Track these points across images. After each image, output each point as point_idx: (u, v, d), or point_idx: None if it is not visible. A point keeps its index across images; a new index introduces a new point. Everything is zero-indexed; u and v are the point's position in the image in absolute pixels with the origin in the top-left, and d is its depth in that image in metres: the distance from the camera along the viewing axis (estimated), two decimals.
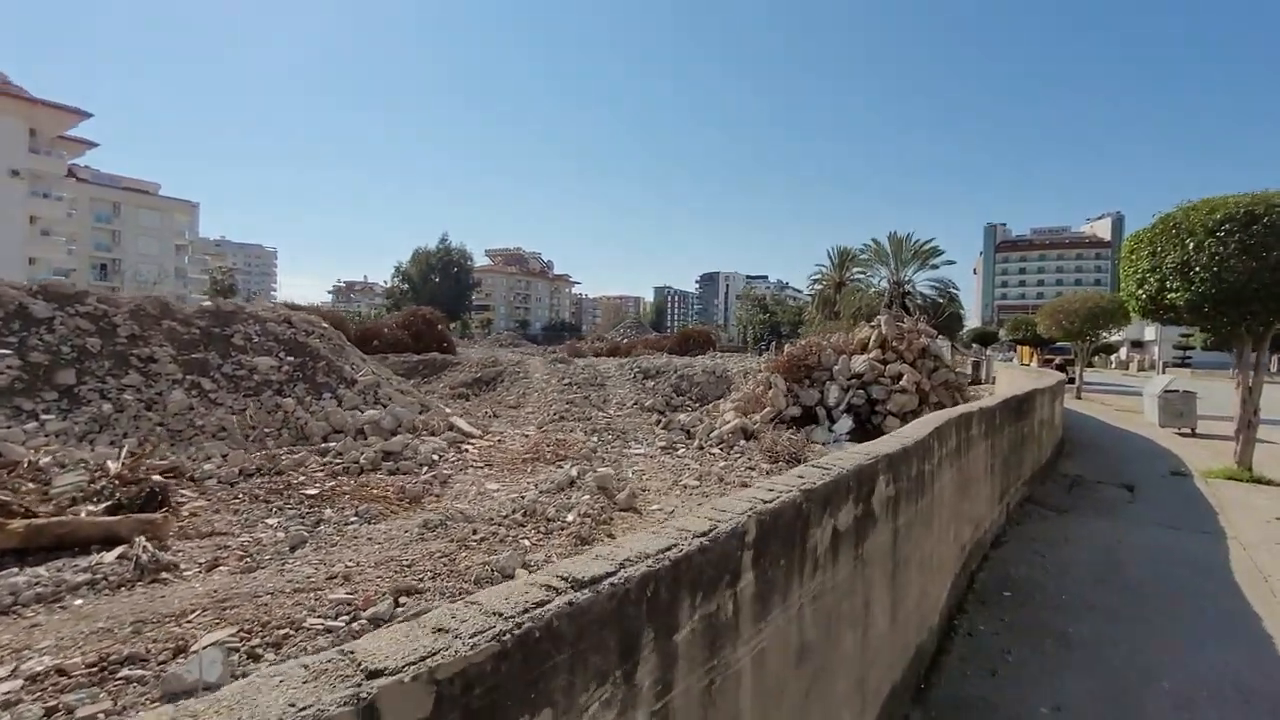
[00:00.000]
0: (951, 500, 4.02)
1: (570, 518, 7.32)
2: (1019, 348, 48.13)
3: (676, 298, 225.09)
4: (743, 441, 12.92)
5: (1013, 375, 19.91)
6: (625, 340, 45.83)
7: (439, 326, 32.62)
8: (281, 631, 4.28)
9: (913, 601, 3.04)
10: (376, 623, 4.47)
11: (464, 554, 6.09)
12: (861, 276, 48.79)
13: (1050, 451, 9.65)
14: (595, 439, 13.00)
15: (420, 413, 15.02)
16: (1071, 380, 22.30)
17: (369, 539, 6.55)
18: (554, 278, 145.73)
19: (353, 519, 7.27)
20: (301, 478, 9.00)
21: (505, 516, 7.21)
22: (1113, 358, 66.97)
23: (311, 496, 8.11)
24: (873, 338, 15.38)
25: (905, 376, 14.12)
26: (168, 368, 11.85)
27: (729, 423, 13.78)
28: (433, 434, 12.45)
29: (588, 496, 8.04)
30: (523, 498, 8.08)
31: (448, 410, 16.68)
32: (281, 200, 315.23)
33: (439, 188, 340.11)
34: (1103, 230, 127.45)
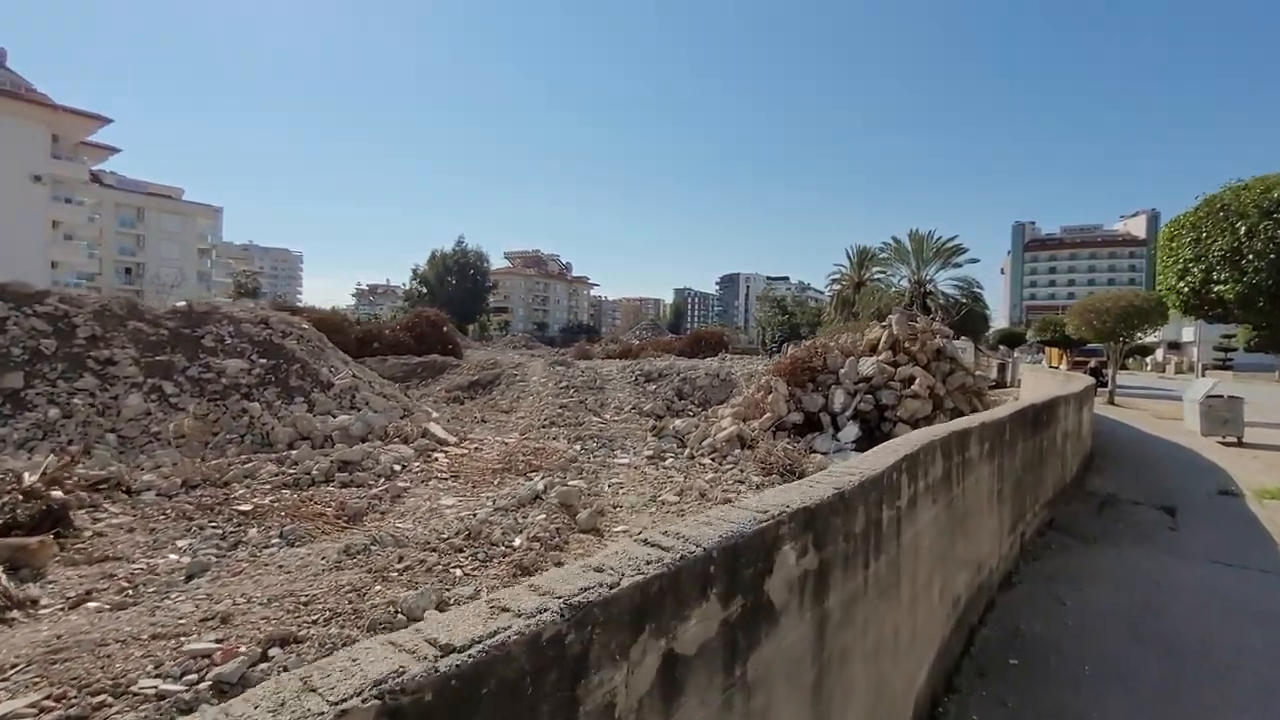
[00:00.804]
0: (935, 547, 3.08)
1: (518, 542, 6.46)
2: (1048, 349, 46.09)
3: (697, 299, 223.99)
4: (738, 451, 11.96)
5: (1038, 379, 18.61)
6: (638, 342, 44.96)
7: (444, 328, 32.08)
8: (99, 699, 3.47)
9: (860, 707, 2.13)
10: (223, 686, 3.65)
11: (379, 587, 5.26)
12: (882, 276, 47.25)
13: (1077, 466, 8.54)
14: (579, 447, 12.15)
15: (402, 417, 14.34)
16: (1104, 384, 20.74)
17: (280, 566, 5.76)
18: (572, 279, 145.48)
19: (275, 540, 6.49)
20: (243, 490, 8.28)
21: (444, 540, 6.37)
22: (1148, 360, 64.24)
23: (244, 513, 7.37)
24: (883, 339, 14.29)
25: (918, 380, 13.02)
26: (127, 370, 11.27)
27: (725, 430, 12.82)
28: (405, 441, 11.70)
29: (543, 516, 7.17)
30: (474, 516, 7.25)
31: (433, 414, 15.98)
32: (308, 205, 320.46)
33: (464, 191, 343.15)
34: (1137, 228, 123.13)
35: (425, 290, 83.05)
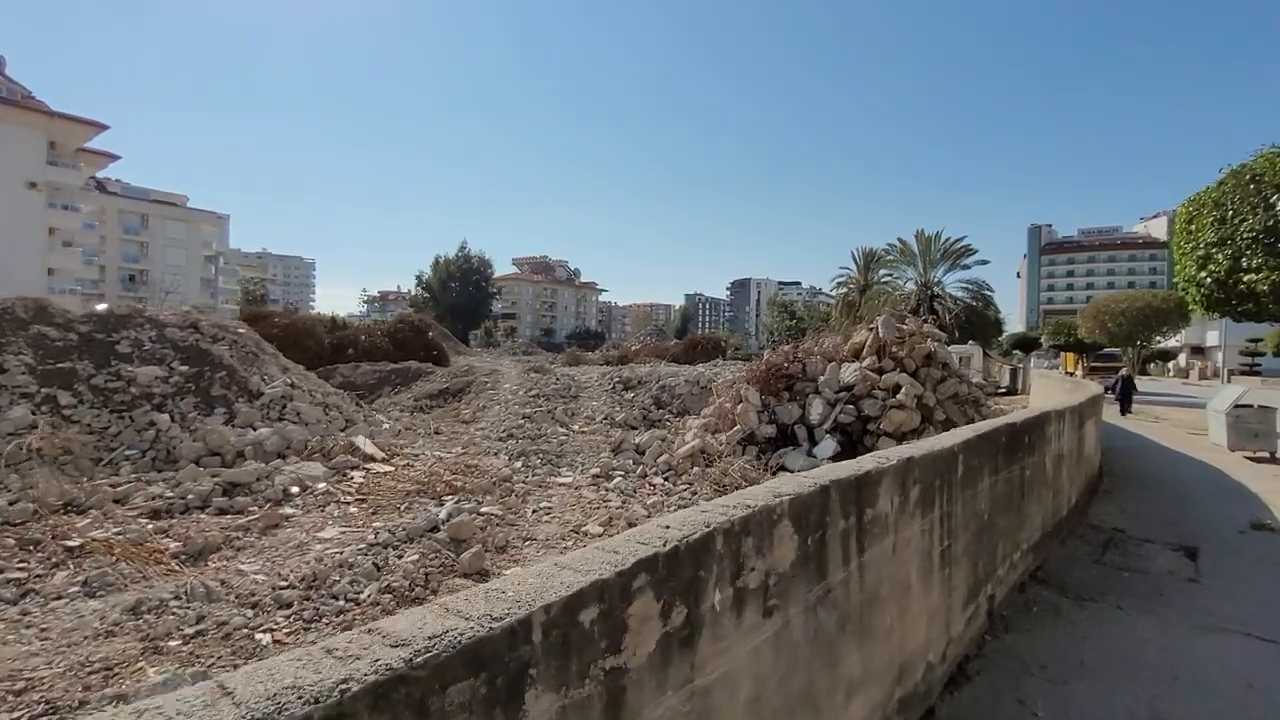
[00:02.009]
0: (786, 683, 1.82)
1: (366, 592, 5.22)
2: (1064, 355, 44.12)
3: (707, 305, 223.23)
4: (697, 469, 10.65)
5: (1046, 386, 17.14)
6: (636, 347, 43.72)
7: (428, 334, 31.06)
8: None
9: None
10: None
11: (142, 664, 4.05)
12: (889, 279, 45.65)
13: (1078, 492, 7.14)
14: (520, 464, 10.90)
15: (344, 429, 13.23)
16: (1128, 392, 19.11)
17: (42, 629, 4.57)
18: (580, 285, 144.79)
19: (75, 588, 5.31)
20: (91, 520, 7.13)
21: (273, 591, 5.15)
22: (1170, 365, 61.80)
23: (69, 549, 6.20)
24: (868, 342, 12.92)
25: (904, 389, 11.64)
26: (18, 379, 10.22)
27: (686, 445, 11.53)
28: (327, 457, 10.54)
29: (417, 556, 5.93)
30: (339, 555, 6.03)
31: (385, 425, 14.85)
32: (322, 212, 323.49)
33: (478, 197, 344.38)
34: (1157, 230, 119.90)
35: (429, 296, 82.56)
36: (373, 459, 10.75)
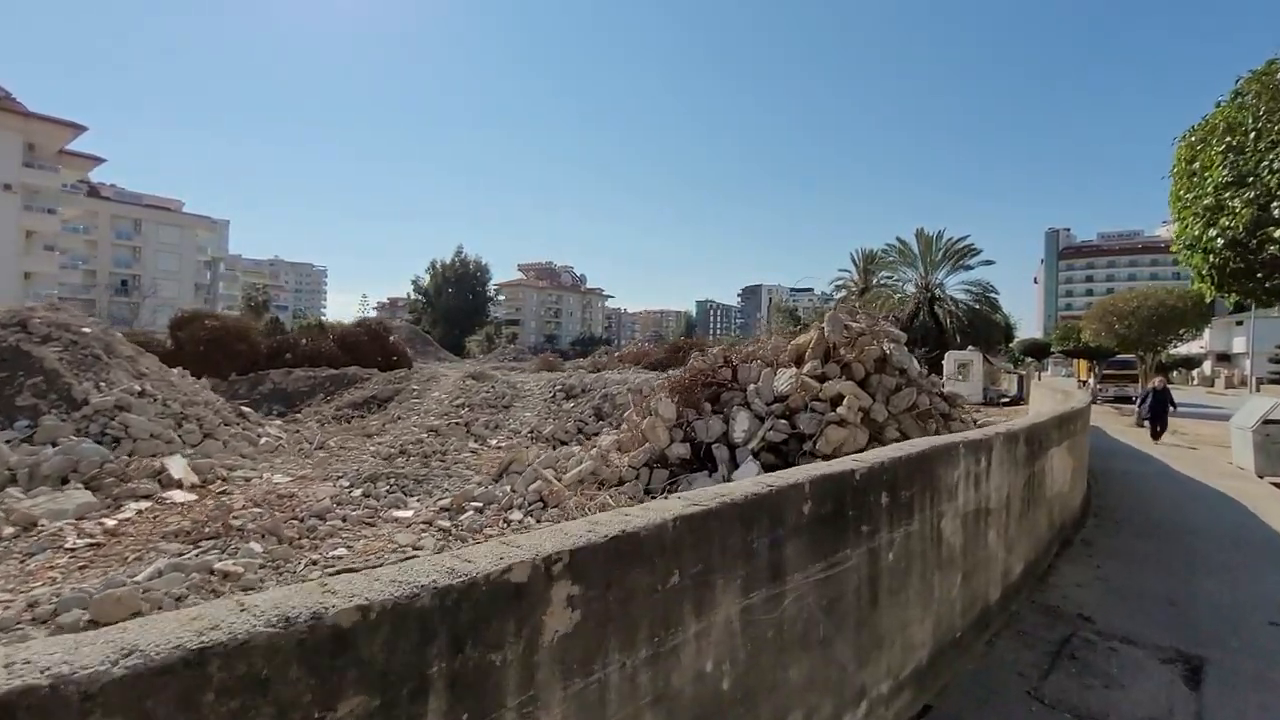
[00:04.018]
0: None
1: None
2: (1076, 361, 41.19)
3: (718, 311, 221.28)
4: (576, 499, 8.53)
5: (1041, 395, 14.83)
6: (617, 353, 41.73)
7: (388, 338, 29.24)
8: None
9: None
10: None
11: None
12: (890, 281, 43.14)
13: (1034, 552, 4.95)
14: (362, 490, 8.87)
15: (196, 444, 11.35)
16: (1163, 411, 15.17)
17: None
18: (586, 291, 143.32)
19: None
20: None
21: None
22: (1194, 373, 58.33)
23: None
24: (812, 344, 10.73)
25: (847, 400, 9.44)
26: None
27: (571, 471, 9.45)
28: (123, 481, 8.59)
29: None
30: None
31: (265, 438, 12.94)
32: (333, 221, 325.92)
33: (487, 203, 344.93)
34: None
35: (424, 301, 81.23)
36: (180, 485, 8.77)
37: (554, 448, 13.84)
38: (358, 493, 8.74)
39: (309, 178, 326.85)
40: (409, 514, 8.07)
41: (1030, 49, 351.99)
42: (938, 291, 37.20)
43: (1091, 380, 34.26)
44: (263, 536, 6.70)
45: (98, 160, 55.56)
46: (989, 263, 37.65)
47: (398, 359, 28.79)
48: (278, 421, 16.81)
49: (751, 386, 10.43)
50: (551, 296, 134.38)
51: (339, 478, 9.40)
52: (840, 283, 47.85)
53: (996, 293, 36.99)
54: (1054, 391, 12.92)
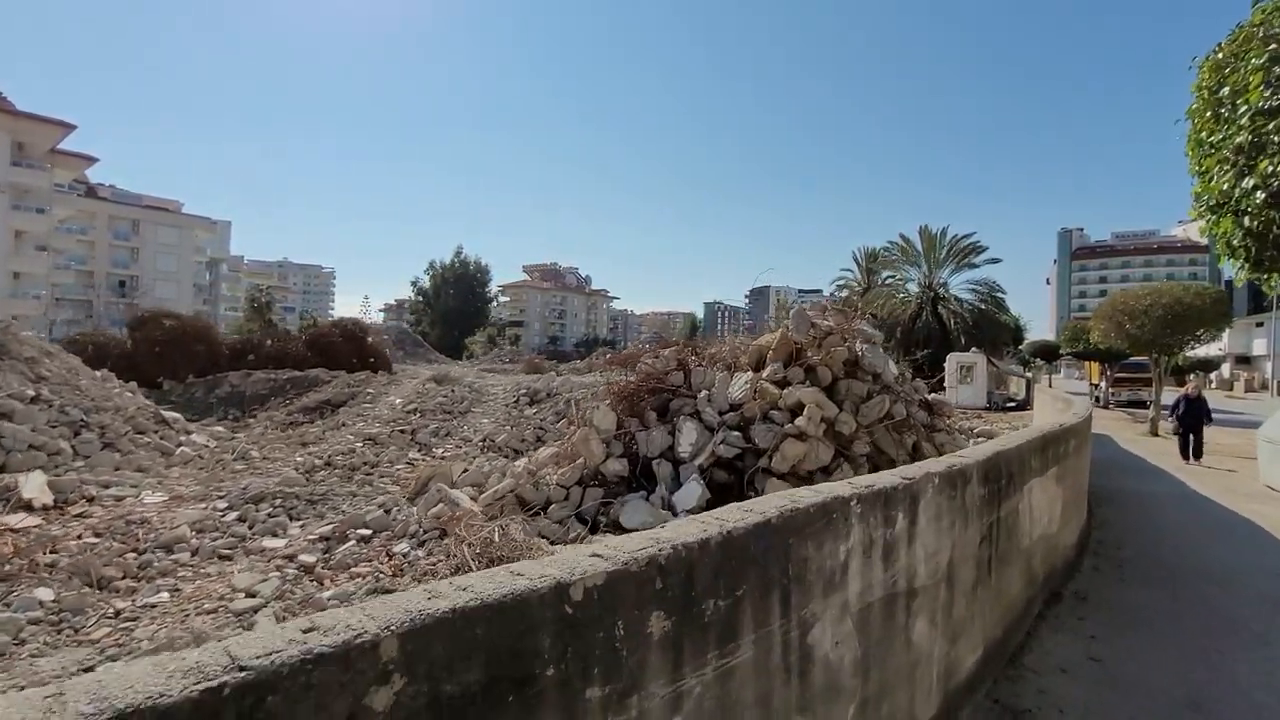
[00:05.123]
0: None
1: None
2: (1088, 364, 39.40)
3: (726, 312, 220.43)
4: (471, 530, 7.29)
5: (1042, 402, 13.47)
6: (615, 355, 40.42)
7: (365, 339, 28.17)
8: None
9: None
10: None
11: None
12: (894, 280, 41.62)
13: (1010, 622, 3.66)
14: (240, 514, 7.67)
15: (95, 453, 10.28)
16: (1198, 423, 12.65)
17: None
18: (591, 292, 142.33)
19: None
20: None
21: None
22: (1212, 376, 56.25)
23: None
24: (774, 345, 9.43)
25: (807, 409, 8.14)
26: None
27: (488, 491, 8.24)
28: None
29: None
30: None
31: (184, 447, 11.85)
32: (342, 223, 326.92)
33: (492, 208, 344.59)
34: (1198, 233, 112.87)
35: (423, 302, 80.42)
36: (28, 507, 7.62)
37: (506, 458, 12.67)
38: (233, 516, 7.55)
39: (316, 181, 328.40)
40: (281, 543, 6.87)
41: (1036, 47, 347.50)
42: (941, 291, 35.71)
43: (1103, 384, 32.62)
44: (69, 578, 5.52)
45: (90, 160, 55.11)
46: (995, 261, 36.09)
47: (375, 361, 27.75)
48: (219, 428, 15.73)
49: (703, 393, 9.17)
50: (556, 298, 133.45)
51: (221, 497, 8.21)
52: (842, 282, 46.41)
53: (1004, 292, 35.42)
54: (1054, 399, 11.53)
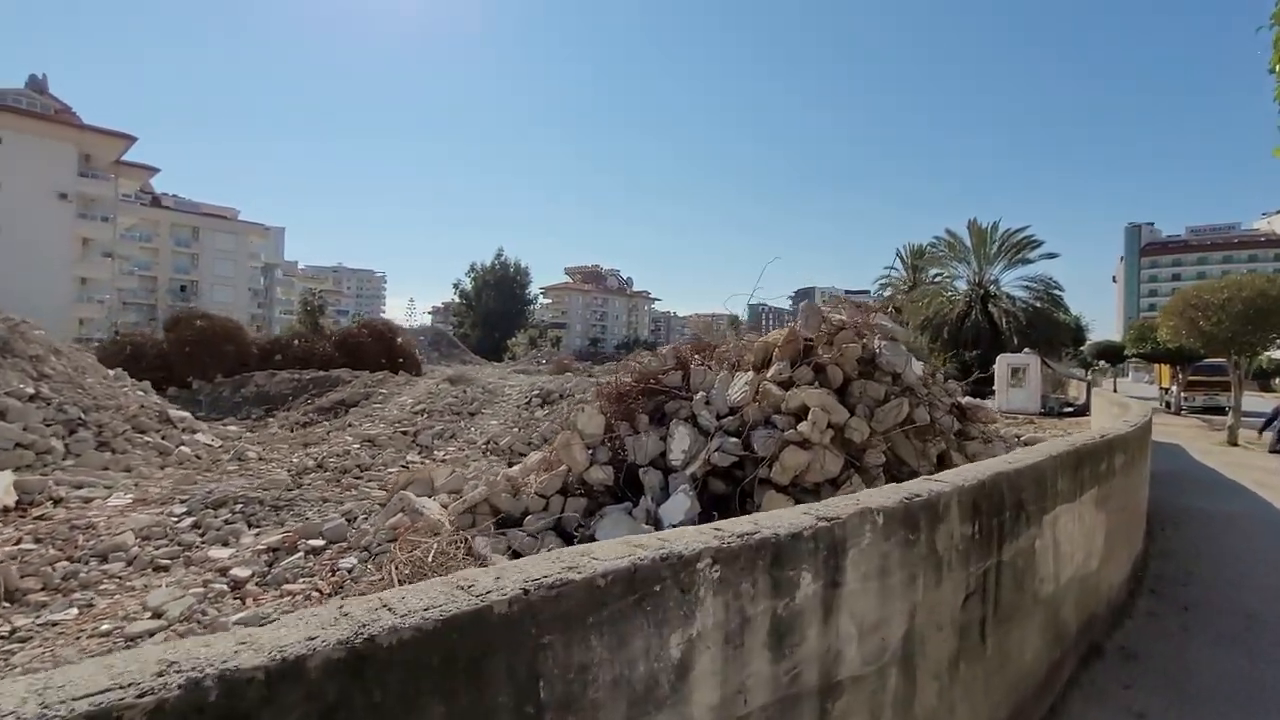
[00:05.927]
0: None
1: None
2: (1158, 367, 36.36)
3: (770, 314, 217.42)
4: (452, 540, 6.65)
5: (1099, 406, 12.11)
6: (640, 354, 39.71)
7: (395, 339, 28.25)
8: None
9: None
10: None
11: None
12: (941, 277, 39.51)
13: (1016, 703, 2.74)
14: (196, 518, 7.25)
15: (86, 451, 10.16)
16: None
17: None
18: (632, 294, 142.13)
19: None
20: None
21: None
22: None
23: None
24: (781, 342, 8.50)
25: (811, 413, 7.20)
26: None
27: (468, 495, 7.62)
28: None
29: None
30: None
31: (182, 446, 11.70)
32: (395, 228, 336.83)
33: (540, 212, 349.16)
34: None
35: (465, 304, 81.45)
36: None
37: (509, 462, 12.11)
38: (188, 522, 7.12)
39: (371, 187, 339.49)
40: (228, 553, 6.38)
41: (1102, 41, 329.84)
42: (992, 288, 33.62)
43: (1174, 388, 30.00)
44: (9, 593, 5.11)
45: (153, 170, 57.87)
46: (1052, 256, 33.66)
47: (404, 361, 27.77)
48: (233, 427, 15.70)
49: (700, 394, 8.32)
50: (597, 300, 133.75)
51: (183, 501, 7.82)
52: (886, 280, 44.45)
53: (1061, 290, 33.06)
54: (1112, 404, 10.16)
